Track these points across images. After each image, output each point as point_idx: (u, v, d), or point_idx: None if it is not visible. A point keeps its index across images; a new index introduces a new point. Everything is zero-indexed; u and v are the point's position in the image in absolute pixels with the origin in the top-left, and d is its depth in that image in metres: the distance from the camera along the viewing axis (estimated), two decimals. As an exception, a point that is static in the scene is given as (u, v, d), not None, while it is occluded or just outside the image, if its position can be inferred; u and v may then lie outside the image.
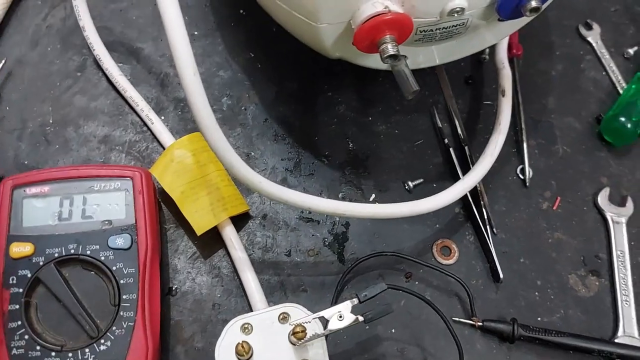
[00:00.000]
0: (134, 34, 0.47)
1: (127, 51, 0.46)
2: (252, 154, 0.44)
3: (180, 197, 0.38)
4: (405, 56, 0.39)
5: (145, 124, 0.43)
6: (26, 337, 0.33)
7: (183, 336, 0.38)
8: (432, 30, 0.37)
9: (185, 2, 0.48)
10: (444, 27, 0.37)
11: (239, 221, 0.41)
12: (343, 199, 0.43)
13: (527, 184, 0.45)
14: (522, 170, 0.45)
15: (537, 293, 0.41)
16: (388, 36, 0.34)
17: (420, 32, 0.36)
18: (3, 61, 0.43)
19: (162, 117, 0.44)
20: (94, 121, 0.43)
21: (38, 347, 0.33)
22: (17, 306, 0.33)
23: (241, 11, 0.49)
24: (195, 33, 0.47)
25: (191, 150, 0.40)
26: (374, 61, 0.40)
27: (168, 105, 0.45)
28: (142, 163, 0.42)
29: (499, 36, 0.43)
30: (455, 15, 0.35)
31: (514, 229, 0.43)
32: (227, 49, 0.47)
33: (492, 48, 0.48)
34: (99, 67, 0.44)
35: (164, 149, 0.42)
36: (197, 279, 0.39)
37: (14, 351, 0.32)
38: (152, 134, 0.43)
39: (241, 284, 0.39)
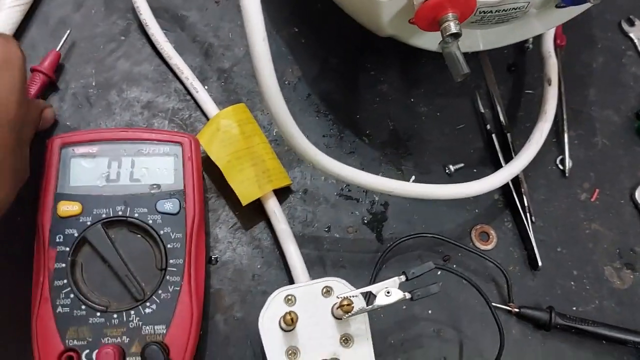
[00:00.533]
0: (180, 1, 0.46)
1: (172, 18, 0.46)
2: (294, 128, 0.43)
3: (227, 167, 0.38)
4: (459, 34, 0.39)
5: (189, 92, 0.43)
6: (71, 295, 0.33)
7: (223, 305, 0.38)
8: (491, 12, 0.36)
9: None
10: (504, 10, 0.36)
11: (281, 195, 0.41)
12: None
13: (567, 175, 0.45)
14: (562, 161, 0.45)
15: (573, 283, 0.41)
16: (451, 14, 0.33)
17: (480, 12, 0.36)
18: (68, 32, 0.43)
19: (206, 87, 0.43)
20: (137, 86, 0.43)
21: (83, 307, 0.33)
22: (63, 265, 0.33)
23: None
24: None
25: (236, 121, 0.40)
26: (425, 41, 0.40)
27: (212, 75, 0.44)
28: (185, 131, 0.42)
29: (548, 26, 0.43)
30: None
31: (552, 218, 0.43)
32: (271, 23, 0.47)
33: (537, 37, 0.48)
34: (144, 32, 0.44)
35: (207, 118, 0.42)
36: (238, 249, 0.39)
37: (59, 309, 0.32)
38: (196, 102, 0.43)
39: (282, 256, 0.39)
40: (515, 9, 0.36)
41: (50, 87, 0.42)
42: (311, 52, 0.46)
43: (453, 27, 0.33)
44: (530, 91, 0.47)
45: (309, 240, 0.40)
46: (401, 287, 0.33)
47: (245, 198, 0.38)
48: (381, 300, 0.33)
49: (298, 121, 0.43)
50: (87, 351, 0.32)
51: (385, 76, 0.46)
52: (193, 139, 0.37)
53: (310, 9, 0.47)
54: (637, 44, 0.51)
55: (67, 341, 0.32)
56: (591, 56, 0.50)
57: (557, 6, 0.37)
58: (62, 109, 0.41)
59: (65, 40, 0.42)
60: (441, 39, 0.34)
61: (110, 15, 0.45)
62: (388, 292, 0.33)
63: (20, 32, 0.43)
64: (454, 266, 0.41)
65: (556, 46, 0.48)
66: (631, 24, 0.52)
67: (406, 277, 0.34)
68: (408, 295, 0.33)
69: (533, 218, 0.43)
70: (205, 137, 0.39)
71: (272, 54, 0.45)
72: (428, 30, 0.35)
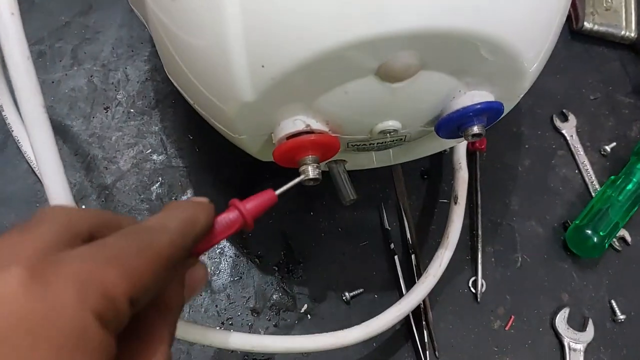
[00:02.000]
0: (65, 110, 0.43)
1: (55, 128, 0.42)
2: (178, 251, 0.40)
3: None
4: (343, 161, 0.36)
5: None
6: None
7: None
8: (365, 145, 0.33)
9: (123, 75, 0.45)
10: (378, 142, 0.33)
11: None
12: (271, 307, 0.39)
13: (479, 300, 0.41)
14: (474, 283, 0.41)
15: None
16: (310, 157, 0.30)
17: (353, 145, 0.33)
18: None
19: (83, 206, 0.40)
20: (7, 207, 0.40)
21: None
22: None
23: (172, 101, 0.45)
24: (131, 111, 0.44)
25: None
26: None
27: (91, 193, 0.41)
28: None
29: (446, 145, 0.39)
30: (388, 135, 0.31)
31: (459, 351, 0.39)
32: (163, 130, 0.44)
33: (452, 142, 0.44)
34: (19, 146, 0.41)
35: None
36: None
37: None
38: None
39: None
40: (393, 140, 0.33)
41: None
42: (204, 163, 0.43)
43: (311, 172, 0.30)
44: (445, 200, 0.44)
45: (182, 384, 0.37)
46: None
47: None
48: None
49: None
50: None
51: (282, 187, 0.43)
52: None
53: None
54: (569, 141, 0.47)
55: None
56: (517, 158, 0.46)
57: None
58: None
59: None
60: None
61: (-13, 128, 0.42)
62: None
63: None
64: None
65: (475, 149, 0.45)
66: (564, 118, 0.48)
67: None
68: None
69: (437, 353, 0.39)
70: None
71: (162, 165, 0.42)
72: (291, 167, 0.32)
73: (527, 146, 0.47)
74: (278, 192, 0.27)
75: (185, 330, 0.32)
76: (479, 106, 0.29)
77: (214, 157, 0.43)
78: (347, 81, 0.27)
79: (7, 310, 0.15)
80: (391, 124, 0.30)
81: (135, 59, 0.45)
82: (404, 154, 0.38)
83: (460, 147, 0.43)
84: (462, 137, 0.31)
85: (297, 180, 0.29)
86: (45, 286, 0.15)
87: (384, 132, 0.30)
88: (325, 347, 0.35)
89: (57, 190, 0.28)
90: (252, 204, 0.25)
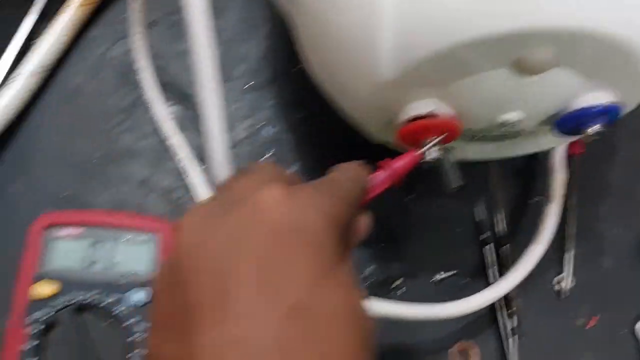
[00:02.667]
0: (189, 78, 0.47)
1: (180, 95, 0.47)
2: (284, 217, 0.43)
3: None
4: (452, 148, 0.38)
5: (185, 173, 0.44)
6: (37, 378, 0.34)
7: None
8: (482, 134, 0.35)
9: (244, 51, 0.48)
10: (494, 133, 0.35)
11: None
12: (366, 279, 0.42)
13: (564, 297, 0.42)
14: (560, 281, 0.43)
15: (554, 415, 0.39)
16: (432, 139, 0.33)
17: (470, 134, 0.35)
18: None
19: (204, 166, 0.44)
20: (137, 161, 0.44)
21: (47, 390, 0.33)
22: (33, 345, 0.34)
23: (297, 67, 0.48)
24: (249, 85, 0.47)
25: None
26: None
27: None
28: (177, 211, 0.43)
29: (557, 143, 0.41)
30: (508, 127, 0.33)
31: (541, 341, 0.41)
32: (277, 105, 0.47)
33: (551, 145, 0.45)
34: (150, 107, 0.45)
35: (199, 200, 0.43)
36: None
37: (25, 391, 0.33)
38: (190, 183, 0.43)
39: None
40: (510, 133, 0.35)
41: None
42: (313, 139, 0.46)
43: (433, 154, 0.33)
44: (538, 199, 0.45)
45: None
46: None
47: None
48: None
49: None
50: None
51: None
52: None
53: (317, 95, 0.47)
54: (662, 154, 0.48)
55: None
56: (610, 166, 0.47)
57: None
58: (62, 179, 0.43)
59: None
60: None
61: (121, 88, 0.46)
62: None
63: (34, 99, 0.45)
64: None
65: (572, 154, 0.46)
66: (660, 132, 0.49)
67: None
68: None
69: (520, 338, 0.41)
70: (187, 226, 0.39)
71: (274, 138, 0.46)
72: (412, 147, 0.34)
73: (622, 154, 0.48)
74: (419, 152, 0.30)
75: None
76: (602, 107, 0.31)
77: (321, 135, 0.46)
78: (482, 71, 0.30)
79: (277, 213, 0.21)
80: (514, 115, 0.32)
81: (255, 37, 0.49)
82: (510, 149, 0.40)
83: (560, 149, 0.44)
84: (580, 134, 0.33)
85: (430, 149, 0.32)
86: (295, 199, 0.22)
87: (504, 124, 0.33)
88: (420, 317, 0.37)
89: (218, 148, 0.31)
90: (400, 163, 0.29)
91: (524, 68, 0.29)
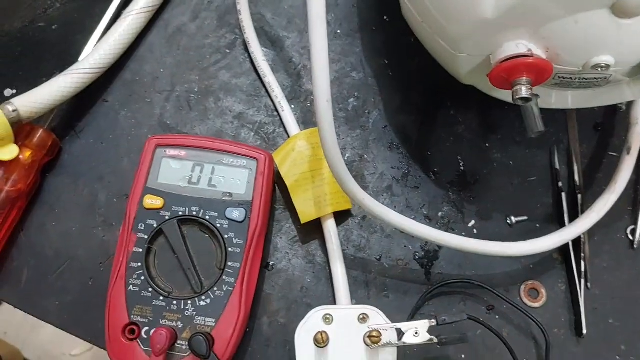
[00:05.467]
0: (283, 23, 0.50)
1: (274, 38, 0.50)
2: (365, 156, 0.46)
3: (294, 185, 0.42)
4: (537, 95, 0.40)
5: (276, 109, 0.47)
6: (142, 277, 0.38)
7: (270, 309, 0.41)
8: (571, 79, 0.36)
9: (334, 0, 0.51)
10: (584, 78, 0.36)
11: (340, 216, 0.43)
12: (442, 218, 0.44)
13: (635, 246, 0.43)
14: (633, 232, 0.44)
15: (618, 357, 0.41)
16: (524, 78, 0.34)
17: (559, 78, 0.36)
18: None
19: (293, 106, 0.47)
20: (232, 97, 0.48)
21: (150, 289, 0.38)
22: (141, 250, 0.38)
23: (385, 17, 0.50)
24: (338, 32, 0.50)
25: (311, 144, 0.43)
26: (503, 94, 0.41)
27: (300, 95, 0.48)
28: (267, 144, 0.46)
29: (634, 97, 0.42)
30: (599, 70, 0.34)
31: (610, 288, 0.42)
32: (363, 52, 0.49)
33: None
34: (246, 48, 0.48)
35: (288, 136, 0.46)
36: (293, 261, 0.43)
37: (130, 287, 0.38)
38: (281, 119, 0.46)
39: (331, 275, 0.42)
40: (597, 79, 0.36)
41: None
42: (395, 85, 0.48)
43: (524, 92, 0.34)
44: (613, 154, 0.46)
45: (359, 264, 0.43)
46: (432, 329, 0.35)
47: (304, 217, 0.41)
48: (409, 338, 0.35)
49: (370, 150, 0.46)
50: (147, 328, 0.37)
51: (463, 117, 0.47)
52: (268, 156, 0.41)
53: (402, 43, 0.49)
54: None
55: (132, 316, 0.37)
56: (692, 125, 0.47)
57: (645, 80, 0.37)
58: (166, 108, 0.47)
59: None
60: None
61: (220, 29, 0.50)
62: (417, 333, 0.35)
63: (141, 36, 0.49)
64: (497, 317, 0.41)
65: (652, 110, 0.47)
66: None
67: (437, 321, 0.35)
68: (435, 340, 0.35)
69: (589, 284, 0.42)
70: (280, 155, 0.42)
71: (359, 83, 0.48)
72: (502, 88, 0.36)
73: None
74: None
75: (380, 212, 0.38)
76: (697, 53, 0.32)
77: (404, 82, 0.48)
78: (581, 11, 0.31)
79: None
80: (607, 59, 0.33)
81: (345, -13, 0.51)
82: (594, 98, 0.41)
83: (638, 104, 0.45)
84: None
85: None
86: None
87: (596, 67, 0.34)
88: (494, 253, 0.40)
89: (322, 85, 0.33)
90: None
91: (623, 10, 0.31)
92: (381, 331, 0.36)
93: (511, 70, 0.34)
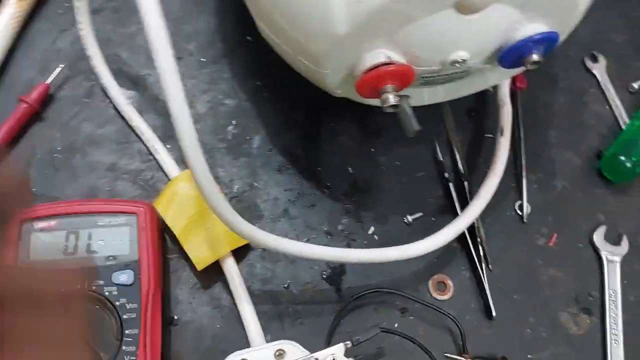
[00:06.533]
0: (142, 60, 0.47)
1: (135, 78, 0.47)
2: (255, 184, 0.45)
3: (182, 232, 0.39)
4: (407, 96, 0.40)
5: (151, 153, 0.44)
6: (33, 369, 0.34)
7: (183, 366, 0.39)
8: (434, 77, 0.37)
9: (193, 28, 0.49)
10: (446, 74, 0.37)
11: (239, 252, 0.42)
12: (342, 230, 0.44)
13: (525, 220, 0.45)
14: (520, 207, 0.46)
15: (529, 330, 0.42)
16: (389, 86, 0.34)
17: (423, 78, 0.37)
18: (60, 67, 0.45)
19: (168, 146, 0.44)
20: (101, 149, 0.44)
21: (44, 379, 0.34)
22: (24, 339, 0.35)
23: (248, 37, 0.49)
24: (203, 60, 0.48)
25: (193, 183, 0.41)
26: (377, 101, 0.41)
27: (174, 134, 0.45)
28: (147, 192, 0.43)
29: (502, 77, 0.44)
30: (457, 65, 0.35)
31: (509, 265, 0.44)
32: (234, 77, 0.48)
33: (496, 82, 0.48)
34: (106, 94, 0.45)
35: (168, 178, 0.43)
36: (198, 310, 0.41)
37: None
38: (158, 163, 0.44)
39: (240, 316, 0.40)
40: (458, 72, 0.37)
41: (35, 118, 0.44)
42: (273, 106, 0.47)
43: (392, 99, 0.34)
44: (490, 135, 0.48)
45: (268, 297, 0.41)
46: (350, 350, 0.35)
47: (200, 263, 0.39)
48: (327, 366, 0.34)
49: (259, 176, 0.45)
50: None
51: (345, 127, 0.47)
52: (148, 207, 0.39)
53: (270, 62, 0.48)
54: (599, 80, 0.51)
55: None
56: (552, 96, 0.50)
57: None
58: (28, 175, 0.43)
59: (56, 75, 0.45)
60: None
61: (74, 78, 0.46)
62: (334, 359, 0.34)
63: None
64: (411, 318, 0.42)
65: (516, 89, 0.49)
66: (594, 60, 0.52)
67: (352, 343, 0.35)
68: (353, 362, 0.34)
69: (490, 266, 0.44)
70: (162, 203, 0.40)
71: (235, 109, 0.47)
72: (370, 97, 0.36)
73: (561, 85, 0.51)
74: None
75: (279, 243, 0.37)
76: (539, 36, 0.34)
77: (281, 100, 0.47)
78: (429, 14, 0.32)
79: None
80: (462, 54, 0.34)
81: (203, 13, 0.49)
82: (461, 88, 0.42)
83: (504, 85, 0.47)
84: (522, 66, 0.35)
85: None
86: None
87: (454, 63, 0.35)
88: (394, 258, 0.40)
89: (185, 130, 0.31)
90: None
91: (466, 7, 0.31)
92: (301, 365, 0.35)
93: (375, 80, 0.34)
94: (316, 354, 0.35)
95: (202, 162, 0.32)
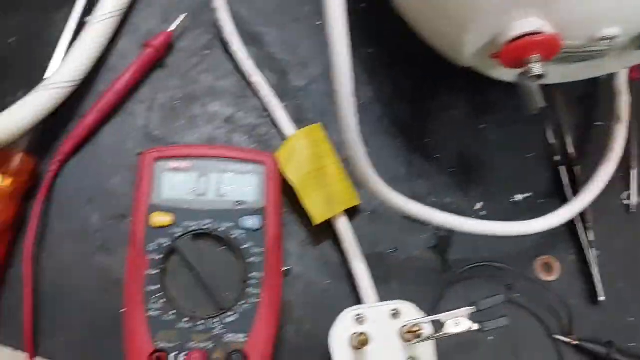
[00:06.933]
0: (260, 20, 0.48)
1: (254, 35, 0.47)
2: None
3: (301, 187, 0.40)
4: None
5: (266, 110, 0.45)
6: (162, 300, 0.35)
7: (293, 316, 0.40)
8: (575, 53, 0.37)
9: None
10: (585, 51, 0.37)
11: (349, 213, 0.42)
12: (449, 204, 0.44)
13: (632, 210, 0.45)
14: (628, 196, 0.45)
15: (634, 318, 0.42)
16: (536, 56, 0.34)
17: (564, 52, 0.37)
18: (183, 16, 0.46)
19: (284, 104, 0.45)
20: (219, 100, 0.45)
21: (172, 312, 0.35)
22: (155, 272, 0.36)
23: (362, 5, 0.49)
24: (318, 24, 0.48)
25: (311, 142, 0.42)
26: (503, 73, 0.41)
27: (288, 92, 0.46)
28: (262, 147, 0.44)
29: (626, 65, 0.43)
30: (604, 42, 0.35)
31: (617, 252, 0.44)
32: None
33: (612, 70, 0.48)
34: (226, 48, 0.46)
35: (283, 135, 0.44)
36: (308, 264, 0.41)
37: (150, 312, 0.35)
38: (273, 119, 0.44)
39: (349, 274, 0.40)
40: (599, 51, 0.37)
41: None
42: (385, 74, 0.47)
43: (537, 70, 0.34)
44: (601, 123, 0.48)
45: (375, 259, 0.42)
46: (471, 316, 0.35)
47: (317, 218, 0.40)
48: (450, 329, 0.34)
49: (369, 143, 0.45)
50: (175, 353, 0.34)
51: (456, 102, 0.47)
52: (273, 158, 0.39)
53: (388, 31, 0.48)
54: None
55: (156, 343, 0.34)
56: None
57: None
58: (150, 119, 0.44)
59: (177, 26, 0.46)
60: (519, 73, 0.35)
61: (195, 29, 0.47)
62: (457, 323, 0.35)
63: (111, 44, 0.45)
64: (518, 295, 0.42)
65: (631, 79, 0.48)
66: None
67: (477, 308, 0.35)
68: (477, 326, 0.35)
69: (597, 252, 0.43)
70: (283, 157, 0.40)
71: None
72: (511, 67, 0.36)
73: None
74: None
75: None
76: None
77: (393, 69, 0.48)
78: (590, -16, 0.32)
79: None
80: (614, 31, 0.34)
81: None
82: (583, 71, 0.42)
83: (622, 74, 0.47)
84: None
85: None
86: None
87: (603, 39, 0.35)
88: (512, 233, 0.40)
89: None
90: None
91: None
92: (421, 325, 0.35)
93: (523, 49, 0.34)
94: (439, 316, 0.35)
95: (353, 122, 0.33)
